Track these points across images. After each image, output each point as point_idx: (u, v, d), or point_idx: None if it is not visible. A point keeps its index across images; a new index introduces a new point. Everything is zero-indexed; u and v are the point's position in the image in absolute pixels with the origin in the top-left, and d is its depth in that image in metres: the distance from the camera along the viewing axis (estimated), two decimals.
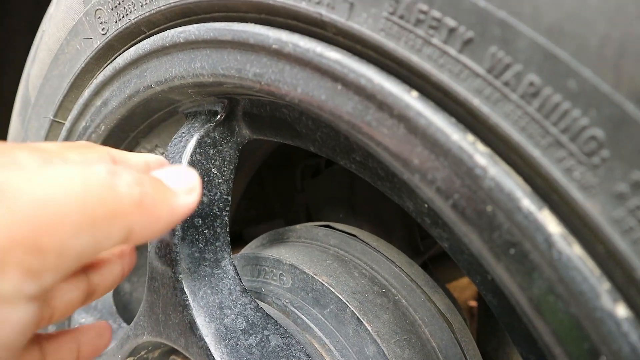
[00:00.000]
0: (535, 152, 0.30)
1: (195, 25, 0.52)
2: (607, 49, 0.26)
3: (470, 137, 0.33)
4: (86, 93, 0.69)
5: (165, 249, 0.56)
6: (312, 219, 1.12)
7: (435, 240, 0.96)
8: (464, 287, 1.68)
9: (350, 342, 0.58)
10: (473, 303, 1.70)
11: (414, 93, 0.35)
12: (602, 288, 0.29)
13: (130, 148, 0.73)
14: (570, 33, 0.27)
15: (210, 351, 0.53)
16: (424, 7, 0.33)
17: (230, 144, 0.61)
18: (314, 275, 0.63)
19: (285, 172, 1.22)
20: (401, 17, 0.34)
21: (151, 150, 0.74)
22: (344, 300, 0.60)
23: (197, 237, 0.57)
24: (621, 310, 0.29)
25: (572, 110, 0.28)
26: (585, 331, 0.31)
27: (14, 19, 1.04)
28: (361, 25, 0.37)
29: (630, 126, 0.26)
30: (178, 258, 0.56)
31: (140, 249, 0.87)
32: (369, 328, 0.58)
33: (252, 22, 0.47)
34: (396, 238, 0.86)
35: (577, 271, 0.30)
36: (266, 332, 0.56)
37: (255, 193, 1.26)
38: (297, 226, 0.77)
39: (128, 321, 0.77)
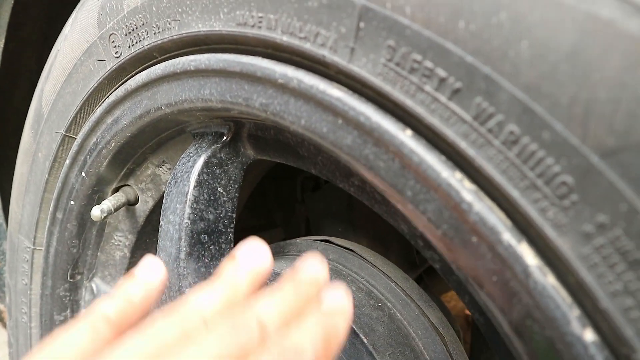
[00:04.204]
0: (514, 193, 0.33)
1: (206, 55, 0.55)
2: (576, 107, 0.29)
3: (458, 175, 0.36)
4: (98, 111, 0.72)
5: (173, 264, 0.60)
6: (311, 230, 1.15)
7: None
8: None
9: (347, 354, 0.61)
10: (469, 312, 1.73)
11: (408, 132, 0.39)
12: (573, 315, 0.33)
13: (139, 163, 0.77)
14: (544, 91, 0.30)
15: None
16: (418, 57, 0.36)
17: (235, 164, 0.64)
18: None
19: (286, 183, 1.25)
20: (397, 64, 0.37)
21: (159, 166, 0.77)
22: None
23: (203, 252, 0.61)
24: (589, 335, 0.32)
25: (546, 158, 0.31)
26: (559, 352, 0.34)
27: (26, 32, 1.08)
28: (361, 69, 0.40)
29: (595, 175, 0.29)
30: (185, 273, 0.59)
31: None
32: (365, 341, 0.61)
33: (259, 56, 0.50)
34: (393, 252, 0.89)
35: (551, 299, 0.33)
36: None
37: (256, 203, 1.29)
38: (298, 240, 0.79)
39: None
